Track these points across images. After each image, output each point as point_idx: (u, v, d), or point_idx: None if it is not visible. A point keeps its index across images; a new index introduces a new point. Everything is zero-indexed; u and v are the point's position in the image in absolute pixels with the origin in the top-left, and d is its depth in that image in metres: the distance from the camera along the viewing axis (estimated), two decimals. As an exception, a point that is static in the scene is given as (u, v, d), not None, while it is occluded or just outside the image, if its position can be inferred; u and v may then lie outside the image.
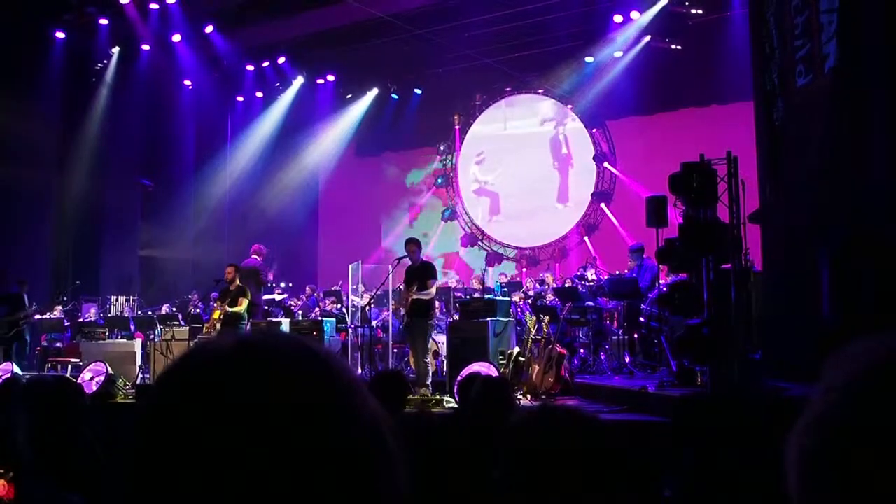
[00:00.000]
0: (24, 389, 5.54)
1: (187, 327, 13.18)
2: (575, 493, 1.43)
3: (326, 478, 0.70)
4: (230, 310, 11.47)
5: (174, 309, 15.93)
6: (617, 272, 13.85)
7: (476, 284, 14.81)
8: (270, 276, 14.00)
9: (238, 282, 11.75)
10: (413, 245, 10.88)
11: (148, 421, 0.73)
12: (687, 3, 15.54)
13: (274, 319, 12.77)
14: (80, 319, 15.50)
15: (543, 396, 9.55)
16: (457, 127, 20.05)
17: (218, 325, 11.54)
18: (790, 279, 8.44)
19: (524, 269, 18.31)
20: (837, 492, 0.73)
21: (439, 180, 20.26)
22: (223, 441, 0.68)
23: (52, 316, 15.17)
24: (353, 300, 14.07)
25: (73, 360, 13.12)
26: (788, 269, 8.54)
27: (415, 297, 10.43)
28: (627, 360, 10.87)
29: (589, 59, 17.19)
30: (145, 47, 17.76)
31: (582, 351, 11.88)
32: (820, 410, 0.77)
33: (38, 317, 13.65)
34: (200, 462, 0.68)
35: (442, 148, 20.29)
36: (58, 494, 2.01)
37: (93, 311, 16.23)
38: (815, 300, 7.60)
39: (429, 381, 10.46)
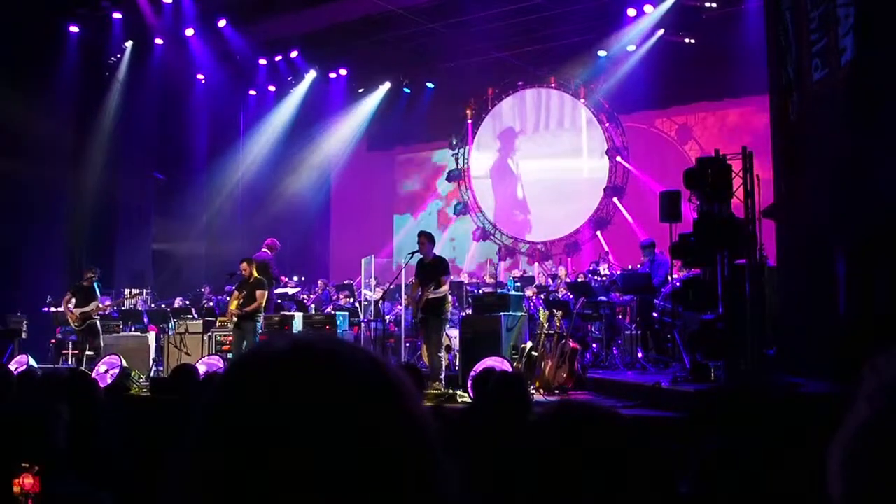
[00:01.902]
0: (40, 382, 5.59)
1: (201, 320, 13.24)
2: (596, 491, 1.43)
3: (380, 475, 0.71)
4: (246, 309, 11.49)
5: (187, 302, 16.00)
6: (629, 267, 13.84)
7: (489, 279, 14.83)
8: (284, 279, 14.06)
9: (256, 274, 11.76)
10: (425, 238, 10.81)
11: (211, 421, 0.74)
12: (701, -3, 15.48)
13: (287, 313, 12.80)
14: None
15: (556, 391, 9.55)
16: (469, 121, 20.03)
17: (234, 318, 11.58)
18: (805, 275, 8.41)
19: (536, 263, 18.29)
20: (885, 495, 0.73)
21: (451, 174, 20.25)
22: (281, 441, 0.71)
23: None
24: (365, 294, 14.11)
25: (87, 352, 13.18)
26: (804, 264, 8.51)
27: (430, 297, 10.40)
28: (640, 355, 10.87)
29: (602, 53, 17.12)
30: (158, 41, 17.80)
31: (595, 346, 11.88)
32: (865, 416, 0.77)
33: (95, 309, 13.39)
34: (260, 461, 0.70)
35: (454, 142, 20.28)
36: (86, 491, 2.03)
37: (107, 303, 16.29)
38: (830, 296, 7.57)
39: (442, 376, 10.46)
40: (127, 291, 16.71)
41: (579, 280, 13.51)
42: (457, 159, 20.26)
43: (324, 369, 0.76)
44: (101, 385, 10.52)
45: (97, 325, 12.90)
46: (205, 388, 6.39)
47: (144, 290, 16.60)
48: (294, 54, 18.82)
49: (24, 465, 1.88)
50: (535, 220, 19.13)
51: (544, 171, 19.00)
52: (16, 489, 1.86)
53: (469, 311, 12.11)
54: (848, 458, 0.77)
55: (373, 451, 0.72)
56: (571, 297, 12.22)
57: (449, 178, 20.26)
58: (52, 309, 14.81)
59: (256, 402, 0.73)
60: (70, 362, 13.77)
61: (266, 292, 11.70)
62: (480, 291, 13.41)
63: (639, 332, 11.18)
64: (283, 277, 14.12)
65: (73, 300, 12.80)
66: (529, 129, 19.45)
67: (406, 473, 0.74)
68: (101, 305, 13.09)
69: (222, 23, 17.14)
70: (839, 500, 0.78)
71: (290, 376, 0.75)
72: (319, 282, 17.03)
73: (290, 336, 0.84)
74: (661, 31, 16.21)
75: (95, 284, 13.01)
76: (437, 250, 11.77)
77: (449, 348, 11.76)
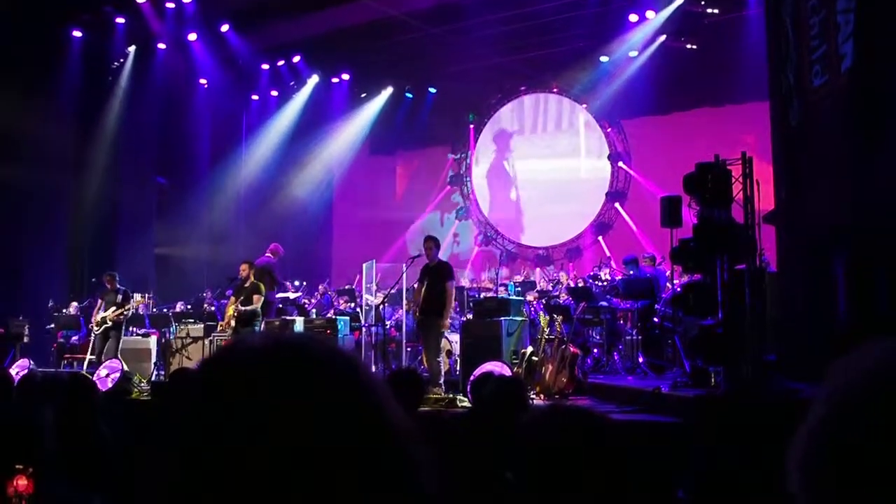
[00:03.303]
0: (41, 386, 5.60)
1: (202, 325, 13.24)
2: (588, 493, 1.44)
3: (350, 476, 0.72)
4: (243, 308, 11.51)
5: (188, 306, 16.00)
6: (631, 272, 13.84)
7: (488, 283, 14.83)
8: (287, 285, 14.07)
9: (253, 279, 11.78)
10: (431, 243, 10.81)
11: (184, 417, 0.75)
12: (703, 3, 15.48)
13: (288, 318, 12.80)
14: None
15: (556, 396, 9.55)
16: (471, 126, 20.06)
17: (233, 323, 11.59)
18: (805, 280, 8.42)
19: (537, 268, 18.29)
20: (836, 494, 0.74)
21: (453, 179, 20.28)
22: (251, 437, 0.71)
23: (67, 312, 15.25)
24: (366, 299, 14.10)
25: (88, 356, 13.18)
26: (804, 270, 8.51)
27: (443, 316, 10.39)
28: (641, 360, 10.86)
29: (604, 59, 17.14)
30: (161, 46, 17.83)
31: (595, 351, 11.87)
32: (822, 414, 0.79)
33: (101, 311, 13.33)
34: (231, 457, 0.71)
35: (456, 147, 20.30)
36: (77, 493, 2.04)
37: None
38: (830, 301, 7.58)
39: (441, 381, 10.46)
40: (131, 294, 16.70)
41: (580, 285, 13.51)
42: (459, 164, 20.29)
43: (298, 366, 0.76)
44: (102, 389, 10.55)
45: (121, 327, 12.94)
46: (176, 384, 6.42)
47: (146, 295, 16.59)
48: (296, 59, 18.86)
49: (17, 466, 1.90)
50: (536, 225, 19.15)
51: (545, 174, 19.03)
52: (10, 490, 1.87)
53: (470, 316, 12.11)
54: (804, 458, 0.79)
55: (346, 449, 0.73)
56: (572, 302, 12.23)
57: (451, 184, 20.29)
58: (85, 311, 14.75)
59: (231, 399, 0.74)
60: (72, 366, 13.79)
61: (262, 297, 11.71)
62: (481, 296, 13.41)
63: (639, 337, 11.18)
64: (287, 283, 14.15)
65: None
66: (530, 134, 19.48)
67: (379, 471, 0.74)
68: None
69: (225, 28, 17.18)
70: (797, 496, 0.79)
71: (264, 372, 0.75)
72: (321, 286, 17.03)
73: (263, 334, 0.86)
74: (662, 37, 16.24)
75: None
76: (442, 247, 11.78)
77: (449, 353, 11.76)
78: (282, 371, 0.76)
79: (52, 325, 14.94)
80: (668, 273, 11.36)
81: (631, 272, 12.16)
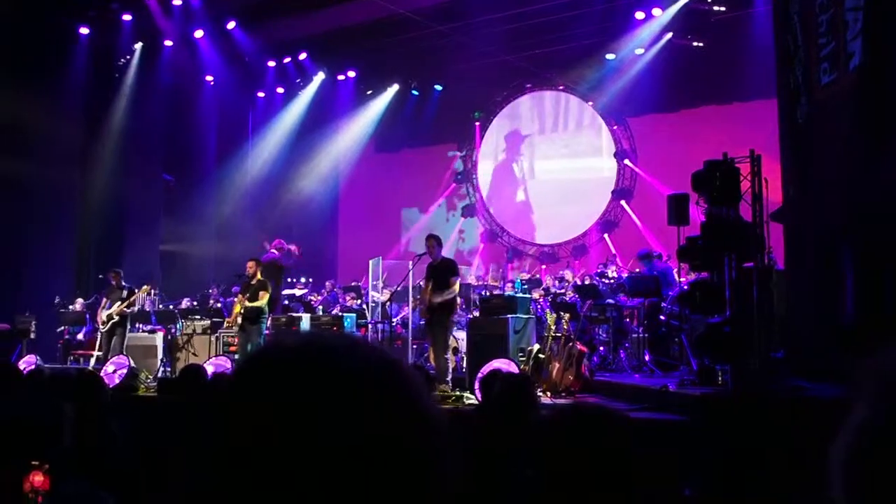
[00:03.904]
0: (49, 382, 5.62)
1: (208, 321, 13.27)
2: (608, 492, 1.44)
3: (394, 472, 0.73)
4: (250, 304, 11.53)
5: (195, 303, 16.04)
6: (637, 270, 13.83)
7: (492, 282, 14.83)
8: (294, 249, 14.02)
9: (259, 276, 11.80)
10: (433, 241, 10.80)
11: (226, 416, 0.76)
12: (709, 0, 15.45)
13: (294, 314, 12.82)
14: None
15: (563, 394, 9.54)
16: (477, 123, 20.05)
17: (239, 319, 11.62)
18: (813, 278, 8.40)
19: (544, 266, 18.28)
20: (885, 495, 0.74)
21: (459, 176, 20.28)
22: (295, 435, 0.72)
23: (73, 309, 15.28)
24: (373, 296, 14.12)
25: (96, 352, 13.21)
26: (811, 268, 8.49)
27: (440, 300, 10.38)
28: (647, 358, 10.85)
29: (610, 56, 17.11)
30: (168, 43, 17.85)
31: (602, 349, 11.87)
32: (867, 415, 0.78)
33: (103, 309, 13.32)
34: (275, 456, 0.72)
35: (462, 144, 20.30)
36: (91, 491, 2.04)
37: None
38: (838, 300, 7.56)
39: (448, 378, 10.46)
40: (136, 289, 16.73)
41: (587, 282, 13.51)
42: (464, 161, 20.30)
43: (340, 365, 0.77)
44: (110, 385, 10.57)
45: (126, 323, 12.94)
46: (215, 387, 6.42)
47: (152, 291, 16.63)
48: (302, 56, 18.87)
49: (33, 463, 1.90)
50: (542, 222, 19.14)
51: (551, 172, 19.03)
52: (26, 486, 1.88)
53: (476, 314, 12.11)
54: (849, 459, 0.78)
55: (389, 447, 0.74)
56: (579, 299, 12.22)
57: (456, 181, 20.30)
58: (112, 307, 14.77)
59: (274, 399, 0.74)
60: (79, 362, 13.83)
61: (269, 293, 11.72)
62: (487, 293, 13.41)
63: (646, 335, 11.17)
64: (293, 247, 14.15)
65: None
66: (536, 131, 19.48)
67: (420, 470, 0.75)
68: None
69: (231, 25, 17.20)
70: (840, 501, 0.79)
71: (306, 372, 0.76)
72: (327, 283, 17.06)
73: (303, 333, 0.87)
74: (669, 35, 16.21)
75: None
76: (447, 245, 11.77)
77: (456, 350, 11.77)
78: (324, 369, 0.77)
79: (62, 326, 14.96)
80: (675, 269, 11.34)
81: (643, 267, 12.14)
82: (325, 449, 0.72)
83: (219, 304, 15.12)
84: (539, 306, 12.36)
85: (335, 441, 0.72)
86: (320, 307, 14.99)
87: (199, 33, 17.52)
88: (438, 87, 19.72)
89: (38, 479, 1.87)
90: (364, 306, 14.36)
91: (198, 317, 13.63)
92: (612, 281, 13.16)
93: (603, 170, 18.38)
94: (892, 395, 0.77)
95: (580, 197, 18.53)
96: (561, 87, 18.99)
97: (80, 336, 14.91)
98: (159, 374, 12.61)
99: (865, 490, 0.76)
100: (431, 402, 0.81)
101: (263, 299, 11.60)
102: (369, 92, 20.39)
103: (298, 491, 0.71)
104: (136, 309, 13.12)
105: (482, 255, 19.72)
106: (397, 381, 0.79)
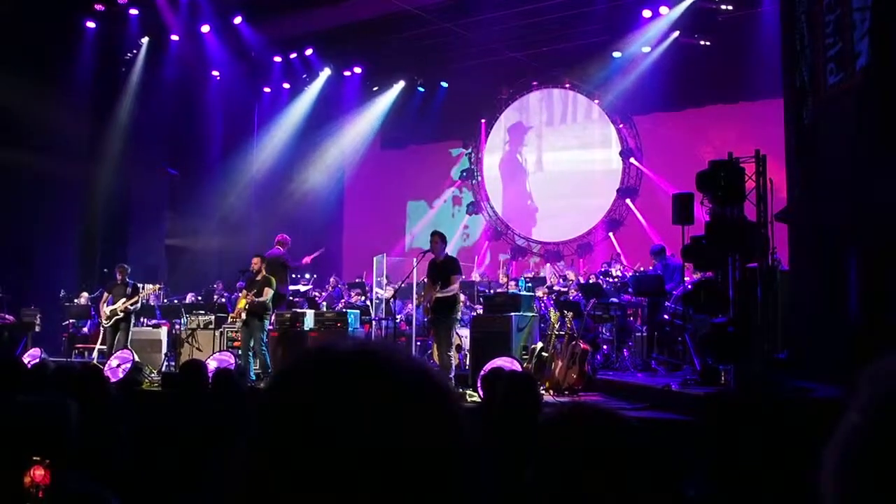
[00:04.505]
0: (53, 376, 5.63)
1: (213, 316, 13.29)
2: (611, 492, 1.44)
3: (430, 475, 0.77)
4: (256, 300, 11.55)
5: (199, 298, 16.06)
6: (641, 268, 13.82)
7: (502, 278, 14.82)
8: (308, 261, 14.04)
9: (264, 272, 11.82)
10: (437, 238, 10.77)
11: (273, 416, 0.79)
12: (716, -1, 15.44)
13: (299, 310, 12.83)
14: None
15: (566, 392, 9.55)
16: (482, 120, 20.03)
17: (243, 315, 11.63)
18: (817, 279, 8.39)
19: (547, 264, 18.27)
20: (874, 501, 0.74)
21: (464, 173, 20.27)
22: (351, 438, 0.75)
23: (78, 302, 15.33)
24: (377, 292, 14.13)
25: (98, 346, 13.25)
26: (816, 268, 8.48)
27: (438, 296, 10.40)
28: (651, 357, 10.85)
29: (616, 54, 17.08)
30: (174, 38, 17.88)
31: (605, 347, 11.86)
32: (858, 423, 0.78)
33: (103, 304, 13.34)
34: (319, 456, 0.75)
35: (467, 141, 20.29)
36: (93, 487, 2.05)
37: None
38: (842, 301, 7.55)
39: (451, 375, 10.46)
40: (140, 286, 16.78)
41: (591, 281, 13.50)
42: (470, 158, 20.29)
43: (386, 372, 0.81)
44: (114, 380, 10.60)
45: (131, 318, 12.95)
46: (188, 375, 6.47)
47: (157, 285, 16.67)
48: (309, 52, 18.88)
49: (35, 458, 1.91)
50: (547, 219, 19.12)
51: (559, 163, 19.01)
52: (26, 480, 1.88)
53: (480, 311, 12.11)
54: (838, 467, 0.78)
55: (426, 451, 0.77)
56: (582, 298, 12.22)
57: (461, 178, 20.30)
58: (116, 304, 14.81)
59: (321, 403, 0.77)
60: (84, 356, 13.87)
61: (273, 290, 11.74)
62: (492, 291, 13.41)
63: (650, 333, 11.17)
64: (298, 277, 14.20)
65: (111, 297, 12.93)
66: (542, 128, 19.45)
67: (452, 473, 0.79)
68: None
69: (238, 20, 17.22)
70: (831, 501, 0.79)
71: (356, 378, 0.79)
72: (332, 279, 17.07)
73: (349, 339, 0.89)
74: (676, 33, 16.17)
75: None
76: (451, 242, 11.76)
77: (459, 347, 11.77)
78: (371, 376, 0.80)
79: (67, 320, 15.00)
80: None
81: (657, 262, 12.15)
82: (369, 451, 0.75)
83: (223, 300, 15.15)
84: (543, 304, 12.36)
85: (381, 444, 0.75)
86: (324, 303, 15.00)
87: (205, 28, 17.54)
88: (444, 84, 19.71)
89: (38, 473, 1.88)
90: (368, 303, 14.37)
91: (202, 312, 13.66)
92: (616, 279, 13.15)
93: (612, 161, 18.34)
94: (883, 406, 0.77)
95: (588, 189, 18.48)
96: (567, 85, 18.96)
97: (84, 329, 14.97)
98: (163, 369, 12.64)
99: (854, 498, 0.76)
100: (463, 408, 0.85)
101: (268, 295, 11.61)
102: (375, 88, 20.37)
103: (340, 493, 0.73)
104: (139, 306, 13.14)
105: (486, 252, 19.71)
106: (437, 390, 0.83)
